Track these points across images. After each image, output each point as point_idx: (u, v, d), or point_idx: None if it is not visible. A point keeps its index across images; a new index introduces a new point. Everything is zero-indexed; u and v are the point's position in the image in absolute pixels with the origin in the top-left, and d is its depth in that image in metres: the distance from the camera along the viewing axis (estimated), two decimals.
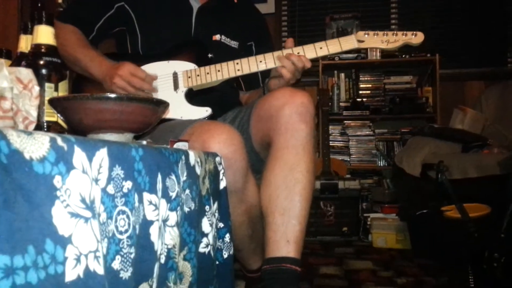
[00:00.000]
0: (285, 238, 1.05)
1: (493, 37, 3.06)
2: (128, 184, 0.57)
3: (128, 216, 0.56)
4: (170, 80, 1.28)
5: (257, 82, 1.46)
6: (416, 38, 1.22)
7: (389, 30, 1.26)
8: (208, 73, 1.26)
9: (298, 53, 1.22)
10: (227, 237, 1.02)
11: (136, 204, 0.59)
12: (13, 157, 0.37)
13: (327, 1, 3.35)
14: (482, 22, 3.08)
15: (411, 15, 3.27)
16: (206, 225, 0.90)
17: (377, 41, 1.23)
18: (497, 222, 1.72)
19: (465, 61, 3.11)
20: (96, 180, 0.50)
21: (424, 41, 1.22)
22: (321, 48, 1.23)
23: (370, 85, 3.16)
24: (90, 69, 1.26)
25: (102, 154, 0.52)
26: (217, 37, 1.40)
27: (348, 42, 1.23)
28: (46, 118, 0.76)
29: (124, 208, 0.55)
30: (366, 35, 1.23)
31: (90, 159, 0.49)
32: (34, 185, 0.39)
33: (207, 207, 0.91)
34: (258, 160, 1.24)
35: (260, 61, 1.25)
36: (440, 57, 2.89)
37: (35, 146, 0.40)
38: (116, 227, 0.53)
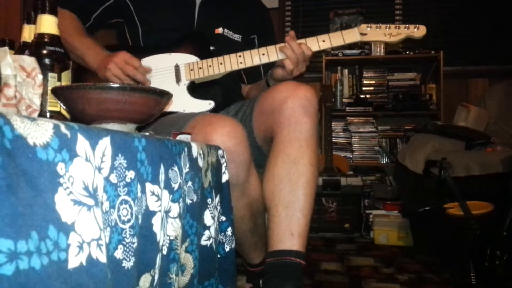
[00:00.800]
0: (289, 231, 1.05)
1: (498, 34, 3.04)
2: (131, 174, 0.57)
3: (130, 206, 0.55)
4: (172, 73, 1.27)
5: (259, 75, 1.46)
6: (418, 31, 1.22)
7: (391, 23, 1.25)
8: (210, 66, 1.25)
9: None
10: (229, 231, 1.02)
11: (139, 194, 0.58)
12: (16, 142, 0.37)
13: None
14: (487, 20, 3.06)
15: (415, 11, 3.25)
16: (208, 218, 0.90)
17: (380, 34, 1.23)
18: (499, 220, 1.71)
19: (469, 58, 3.09)
20: (99, 169, 0.50)
21: (427, 34, 1.22)
22: (323, 41, 1.23)
23: (373, 82, 3.15)
24: (86, 57, 1.25)
25: (105, 143, 0.51)
26: (219, 30, 1.39)
27: (351, 35, 1.23)
28: (49, 108, 0.76)
29: (126, 197, 0.55)
30: (369, 28, 1.23)
31: (93, 147, 0.49)
32: (38, 171, 0.39)
33: (209, 200, 0.90)
34: (260, 154, 1.24)
35: (263, 54, 1.24)
36: (444, 54, 2.87)
37: (39, 133, 0.40)
38: (119, 216, 0.53)
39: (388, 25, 1.23)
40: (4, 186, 0.33)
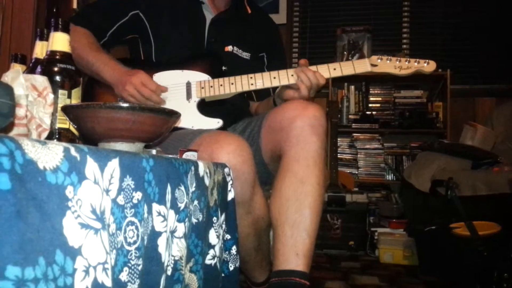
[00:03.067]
0: (295, 251, 1.04)
1: (505, 54, 3.04)
2: (138, 195, 0.57)
3: (137, 227, 0.55)
4: (183, 90, 1.28)
5: (269, 93, 1.47)
6: (428, 66, 1.24)
7: (400, 54, 1.27)
8: (221, 85, 1.26)
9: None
10: (234, 249, 1.02)
11: (145, 215, 0.58)
12: (27, 167, 0.37)
13: (339, 13, 3.36)
14: (494, 39, 3.07)
15: (423, 30, 3.26)
16: (213, 237, 0.89)
17: (390, 67, 1.25)
18: (507, 242, 1.69)
19: (476, 77, 3.08)
20: (107, 191, 0.50)
21: (436, 68, 1.24)
22: (334, 69, 1.25)
23: (380, 98, 3.15)
24: (103, 73, 1.26)
25: (113, 165, 0.52)
26: (229, 48, 1.41)
27: (361, 66, 1.25)
28: (58, 125, 0.77)
29: (133, 219, 0.55)
30: (379, 60, 1.25)
31: (102, 169, 0.49)
32: (47, 195, 0.39)
33: (214, 219, 0.90)
34: (266, 172, 1.24)
35: (274, 78, 1.25)
36: (451, 72, 2.87)
37: (49, 156, 0.40)
38: (125, 238, 0.53)
39: (398, 58, 1.25)
40: (14, 212, 0.34)
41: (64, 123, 0.77)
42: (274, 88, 1.41)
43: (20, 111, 0.57)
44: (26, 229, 0.35)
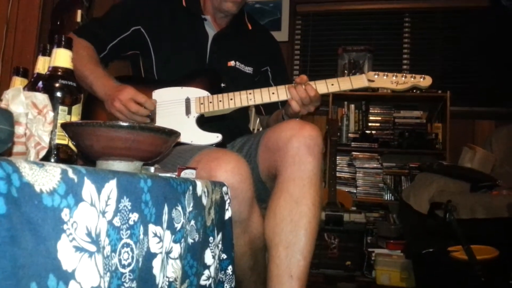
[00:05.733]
0: (289, 273, 1.03)
1: (505, 76, 3.06)
2: (134, 216, 0.56)
3: (132, 249, 0.55)
4: (182, 105, 1.29)
5: (277, 106, 1.47)
6: (424, 81, 1.25)
7: (398, 72, 1.29)
8: (220, 101, 1.27)
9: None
10: (230, 269, 1.01)
11: (141, 236, 0.58)
12: (23, 190, 0.37)
13: (340, 32, 3.39)
14: (494, 61, 3.09)
15: (423, 51, 3.29)
16: (208, 257, 0.88)
17: (387, 82, 1.26)
18: (505, 267, 1.68)
19: (476, 99, 3.10)
20: (104, 213, 0.49)
21: (433, 83, 1.25)
22: (332, 84, 1.26)
23: (379, 118, 3.16)
24: (95, 87, 1.26)
25: (111, 186, 0.51)
26: (231, 63, 1.42)
27: (359, 81, 1.26)
28: (57, 141, 0.77)
29: (128, 240, 0.55)
30: (376, 76, 1.26)
31: (99, 191, 0.49)
32: (42, 219, 0.39)
33: (211, 238, 0.90)
34: (264, 189, 1.23)
35: (273, 93, 1.26)
36: (451, 94, 2.89)
37: (46, 179, 0.40)
38: (120, 260, 0.53)
39: (395, 73, 1.27)
40: (7, 238, 0.33)
41: (63, 139, 0.77)
42: (282, 102, 1.42)
43: (19, 129, 0.57)
44: (19, 254, 0.34)
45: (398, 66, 3.28)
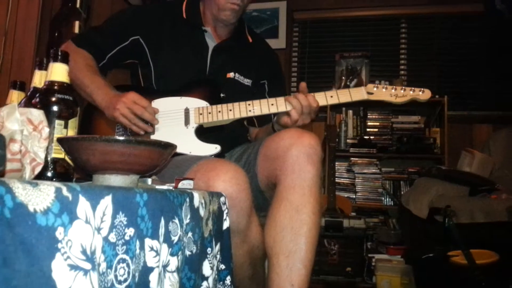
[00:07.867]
0: (289, 282, 1.03)
1: (502, 81, 3.07)
2: (130, 231, 0.56)
3: (128, 265, 0.55)
4: (181, 115, 1.29)
5: (270, 119, 1.47)
6: (423, 94, 1.26)
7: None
8: (219, 112, 1.27)
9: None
10: (228, 280, 1.00)
11: (137, 251, 0.58)
12: (17, 210, 0.37)
13: (338, 39, 3.41)
14: (492, 66, 3.11)
15: (421, 56, 3.31)
16: (206, 268, 0.88)
17: (386, 95, 1.27)
18: (505, 271, 1.67)
19: (473, 104, 3.11)
20: (99, 229, 0.50)
21: (433, 95, 1.25)
22: (331, 96, 1.27)
23: (377, 123, 3.17)
24: (95, 95, 1.26)
25: (106, 202, 0.51)
26: (231, 74, 1.43)
27: (358, 94, 1.27)
28: (53, 155, 0.77)
29: (124, 256, 0.55)
30: (375, 88, 1.27)
31: (94, 207, 0.49)
32: (36, 238, 0.39)
33: (209, 250, 0.89)
34: (262, 199, 1.23)
35: (272, 104, 1.27)
36: (449, 98, 2.90)
37: (40, 198, 0.40)
38: (116, 276, 0.53)
39: (394, 86, 1.27)
40: (0, 260, 0.33)
41: (59, 153, 0.77)
42: (275, 114, 1.42)
43: (14, 146, 0.57)
44: (13, 276, 0.34)
45: (395, 72, 3.30)
